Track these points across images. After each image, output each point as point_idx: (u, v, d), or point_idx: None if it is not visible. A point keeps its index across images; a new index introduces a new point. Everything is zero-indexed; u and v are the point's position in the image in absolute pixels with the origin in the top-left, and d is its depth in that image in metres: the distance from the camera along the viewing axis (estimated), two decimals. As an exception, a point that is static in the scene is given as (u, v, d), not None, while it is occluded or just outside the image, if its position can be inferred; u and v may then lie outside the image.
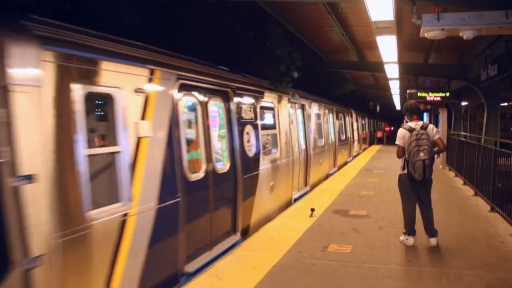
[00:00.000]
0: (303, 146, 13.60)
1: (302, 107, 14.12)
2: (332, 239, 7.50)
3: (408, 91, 20.26)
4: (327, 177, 16.60)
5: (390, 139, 42.83)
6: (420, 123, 7.04)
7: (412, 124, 7.05)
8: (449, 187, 13.15)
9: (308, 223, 8.62)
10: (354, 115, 26.76)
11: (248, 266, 6.22)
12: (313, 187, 13.93)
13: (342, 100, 24.56)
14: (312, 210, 9.27)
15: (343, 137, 21.98)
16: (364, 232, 8.00)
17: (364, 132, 34.52)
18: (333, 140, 18.88)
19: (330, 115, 18.85)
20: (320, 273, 5.93)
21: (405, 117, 7.50)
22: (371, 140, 40.15)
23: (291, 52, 12.76)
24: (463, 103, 24.35)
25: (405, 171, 7.03)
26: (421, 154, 6.72)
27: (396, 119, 46.19)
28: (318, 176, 15.33)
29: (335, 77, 22.70)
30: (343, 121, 22.55)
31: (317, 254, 6.72)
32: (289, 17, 11.89)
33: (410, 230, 7.19)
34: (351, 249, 6.94)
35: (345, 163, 21.59)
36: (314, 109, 15.47)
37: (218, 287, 5.49)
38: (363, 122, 34.15)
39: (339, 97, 24.12)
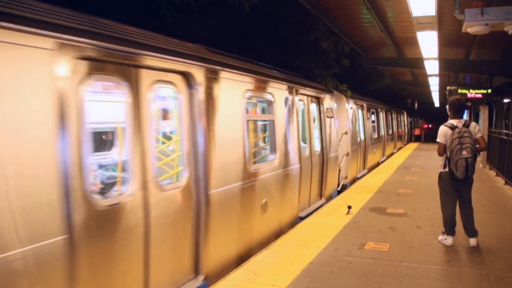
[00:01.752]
0: (362, 139, 16.68)
1: (362, 107, 17.12)
2: (369, 237, 7.45)
3: (448, 87, 19.86)
4: (378, 164, 19.99)
5: (428, 137, 42.11)
6: (462, 120, 6.90)
7: (454, 121, 6.91)
8: (489, 186, 12.85)
9: (345, 221, 8.58)
10: (394, 113, 28.85)
11: (285, 261, 6.24)
12: (369, 170, 17.35)
13: (381, 97, 24.42)
14: (349, 207, 9.21)
15: (390, 132, 25.46)
16: (401, 230, 7.91)
17: (407, 128, 36.41)
18: (383, 134, 22.41)
19: (381, 113, 22.15)
20: (357, 271, 5.90)
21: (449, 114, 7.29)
22: (409, 137, 39.50)
23: (336, 42, 12.94)
24: (505, 100, 23.68)
25: (446, 169, 6.90)
26: (464, 152, 6.58)
27: (434, 117, 45.31)
28: (372, 163, 18.76)
29: (373, 72, 22.59)
30: (390, 118, 25.91)
31: (354, 252, 6.69)
32: (328, 13, 11.80)
33: (449, 229, 7.06)
34: (388, 248, 6.88)
35: (392, 154, 24.93)
36: (369, 108, 18.78)
37: (255, 282, 5.53)
38: (405, 119, 34.25)
39: (378, 93, 23.99)
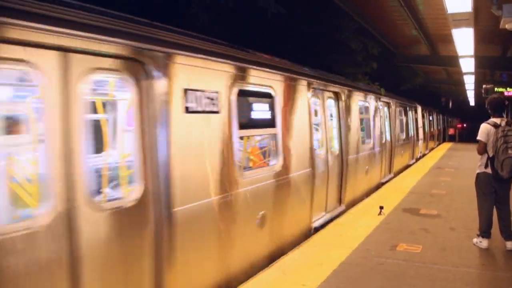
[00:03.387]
0: (413, 134, 20.89)
1: (415, 110, 21.42)
2: (401, 238, 7.32)
3: (484, 86, 19.42)
4: (424, 155, 24.16)
5: (462, 137, 41.25)
6: (504, 119, 6.70)
7: (496, 120, 6.71)
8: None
9: (377, 221, 8.46)
10: (434, 113, 31.60)
11: (315, 262, 6.18)
12: (417, 159, 21.67)
13: (416, 95, 24.27)
14: (381, 208, 9.08)
15: (431, 129, 29.83)
16: (434, 232, 7.76)
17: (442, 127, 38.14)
18: (425, 131, 26.07)
19: (425, 113, 26.25)
20: (389, 272, 5.80)
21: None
22: (443, 137, 38.77)
23: (366, 44, 12.92)
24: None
25: (486, 170, 6.69)
26: (510, 151, 6.38)
27: (469, 116, 44.39)
28: (419, 152, 22.92)
29: (405, 71, 22.33)
30: (432, 118, 30.38)
31: (385, 253, 6.58)
32: (360, 11, 11.69)
33: (485, 232, 6.86)
34: (421, 249, 6.74)
35: (432, 149, 28.41)
36: (418, 111, 22.95)
37: (285, 281, 5.49)
38: (438, 118, 34.17)
39: (411, 92, 23.77)
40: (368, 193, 11.61)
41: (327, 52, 13.66)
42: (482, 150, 6.73)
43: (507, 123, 6.58)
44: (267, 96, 6.78)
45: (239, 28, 11.94)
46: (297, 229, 7.49)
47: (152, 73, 4.36)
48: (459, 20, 8.38)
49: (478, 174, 6.92)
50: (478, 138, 6.76)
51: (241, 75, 5.90)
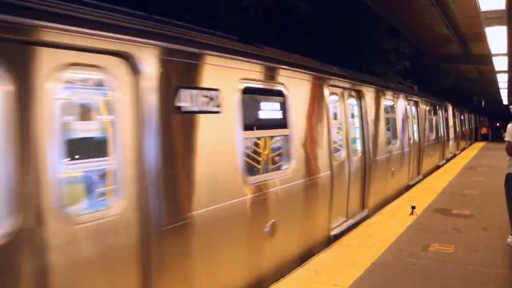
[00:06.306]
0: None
1: (454, 111, 23.62)
2: (433, 238, 7.28)
3: (517, 84, 19.08)
4: (464, 148, 28.10)
5: (495, 136, 40.46)
6: None
7: None
8: None
9: (408, 221, 8.42)
10: (467, 113, 32.67)
11: (347, 262, 6.21)
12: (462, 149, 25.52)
13: (447, 94, 24.05)
14: (413, 207, 9.03)
15: (467, 128, 31.87)
16: (467, 232, 7.69)
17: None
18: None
19: (461, 113, 28.93)
20: (421, 273, 5.79)
21: None
22: (475, 136, 38.08)
23: (397, 43, 12.93)
24: None
25: None
26: None
27: (501, 115, 43.57)
28: (463, 146, 27.69)
29: (436, 70, 22.09)
30: (468, 117, 32.45)
31: (417, 253, 6.57)
32: (391, 10, 11.63)
33: (518, 232, 6.79)
34: (453, 250, 6.70)
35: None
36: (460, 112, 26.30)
37: (316, 281, 5.54)
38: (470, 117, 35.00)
39: (443, 91, 23.54)
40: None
41: (359, 52, 13.63)
42: (511, 150, 6.66)
43: None
44: None
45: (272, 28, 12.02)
46: None
47: None
48: (492, 18, 8.28)
49: (507, 174, 6.84)
50: (506, 139, 6.70)
51: None
